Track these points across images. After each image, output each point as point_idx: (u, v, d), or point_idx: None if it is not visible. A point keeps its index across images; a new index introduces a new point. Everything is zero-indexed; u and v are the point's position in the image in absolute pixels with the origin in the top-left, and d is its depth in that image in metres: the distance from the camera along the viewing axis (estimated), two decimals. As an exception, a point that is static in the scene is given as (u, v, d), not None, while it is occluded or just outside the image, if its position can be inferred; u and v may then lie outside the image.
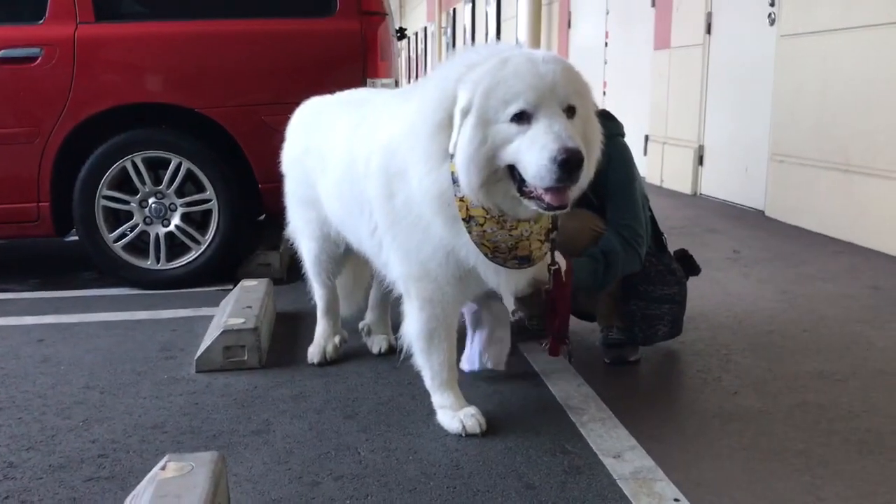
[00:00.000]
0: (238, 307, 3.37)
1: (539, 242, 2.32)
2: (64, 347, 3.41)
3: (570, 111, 2.10)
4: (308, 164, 2.92)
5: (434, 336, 2.51)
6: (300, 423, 2.61)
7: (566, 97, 2.08)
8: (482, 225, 2.21)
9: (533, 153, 2.02)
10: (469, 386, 2.80)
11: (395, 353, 3.10)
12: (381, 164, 2.39)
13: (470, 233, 2.23)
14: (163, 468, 1.94)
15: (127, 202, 4.35)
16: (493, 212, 2.20)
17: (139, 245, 4.42)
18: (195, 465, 1.94)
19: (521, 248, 2.28)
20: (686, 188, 7.75)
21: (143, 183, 4.33)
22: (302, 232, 3.09)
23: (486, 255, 2.26)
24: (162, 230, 4.39)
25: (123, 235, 4.37)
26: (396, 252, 2.46)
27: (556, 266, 2.48)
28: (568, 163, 1.99)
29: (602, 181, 2.91)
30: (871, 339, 3.38)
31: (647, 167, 8.66)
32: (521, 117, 2.05)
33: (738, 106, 6.92)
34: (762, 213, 6.37)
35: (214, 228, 4.39)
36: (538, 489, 2.17)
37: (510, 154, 2.08)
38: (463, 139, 2.09)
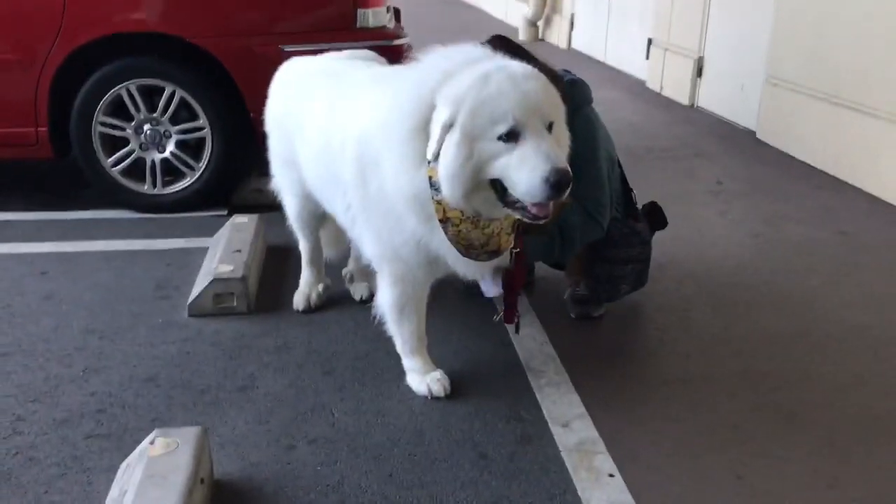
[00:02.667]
0: (228, 250, 3.56)
1: (507, 235, 2.47)
2: (65, 282, 3.62)
3: (549, 126, 2.21)
4: (288, 127, 3.02)
5: (404, 309, 2.71)
6: (282, 379, 2.85)
7: (548, 114, 2.20)
8: (458, 226, 2.35)
9: (524, 172, 2.14)
10: (441, 342, 3.03)
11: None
12: (356, 153, 2.51)
13: (446, 232, 2.37)
14: (152, 443, 2.19)
15: (123, 128, 4.47)
16: (468, 213, 2.34)
17: (136, 170, 4.56)
18: (180, 442, 2.19)
19: (492, 244, 2.43)
20: (684, 99, 7.74)
21: (138, 110, 4.43)
22: (285, 189, 3.24)
23: (459, 251, 2.41)
24: (157, 156, 4.52)
25: (121, 160, 4.51)
26: (369, 234, 2.62)
27: (518, 250, 2.64)
28: (559, 184, 2.12)
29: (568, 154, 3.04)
30: (827, 296, 3.57)
31: (648, 72, 8.60)
32: (509, 136, 2.16)
33: (739, 19, 6.82)
34: (753, 134, 6.42)
35: (208, 156, 4.52)
36: (490, 459, 2.43)
37: (497, 170, 2.20)
38: (448, 154, 2.19)
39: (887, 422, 2.64)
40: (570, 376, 2.89)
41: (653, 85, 8.50)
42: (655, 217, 3.47)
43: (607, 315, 3.35)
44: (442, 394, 2.73)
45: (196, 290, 3.33)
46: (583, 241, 3.11)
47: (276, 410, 2.66)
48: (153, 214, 4.53)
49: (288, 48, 4.35)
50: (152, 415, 2.62)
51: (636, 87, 8.60)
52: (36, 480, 2.30)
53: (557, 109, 2.27)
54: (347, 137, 2.56)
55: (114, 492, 2.12)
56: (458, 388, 2.79)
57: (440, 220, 2.35)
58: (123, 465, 2.23)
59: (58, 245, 4.07)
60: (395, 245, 2.54)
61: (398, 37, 4.65)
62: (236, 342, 3.11)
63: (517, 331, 3.00)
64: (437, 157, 2.23)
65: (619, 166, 3.37)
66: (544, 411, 2.68)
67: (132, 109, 4.42)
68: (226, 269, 3.36)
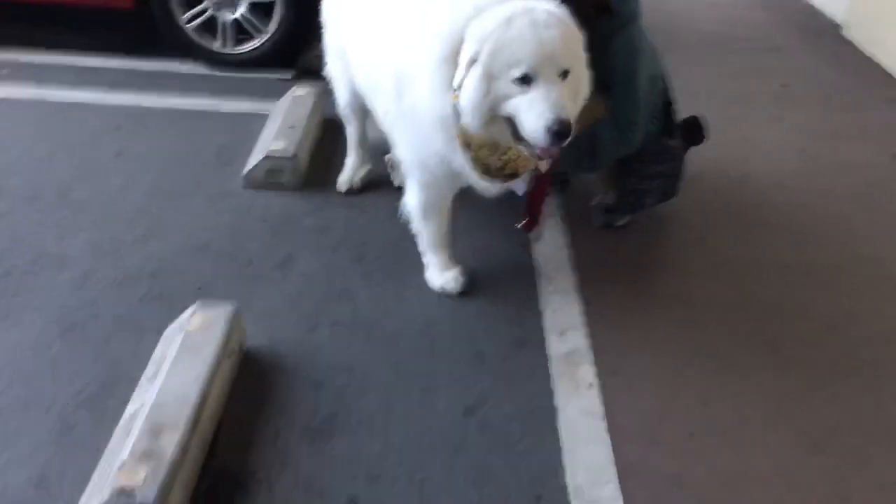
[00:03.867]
0: (285, 125, 3.81)
1: (525, 160, 2.63)
2: (136, 140, 3.94)
3: (565, 74, 2.33)
4: (340, 26, 3.16)
5: (429, 211, 2.95)
6: (316, 261, 3.16)
7: (562, 62, 2.31)
8: (477, 151, 2.53)
9: (531, 116, 2.30)
10: (464, 238, 3.26)
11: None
12: (394, 68, 2.66)
13: (466, 155, 2.56)
14: (193, 314, 2.55)
15: (197, -14, 4.66)
16: (488, 139, 2.51)
17: (209, 27, 4.76)
18: (215, 318, 2.54)
19: (510, 168, 2.61)
20: (778, -23, 7.36)
21: (216, -32, 4.59)
22: (336, 78, 3.42)
23: (478, 173, 2.61)
24: (229, 16, 4.70)
25: (195, 17, 4.71)
26: (402, 141, 2.82)
27: (537, 171, 2.81)
28: (559, 134, 2.28)
29: (608, 70, 3.13)
30: (854, 228, 3.63)
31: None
32: (523, 80, 2.30)
33: None
34: (839, 29, 6.16)
35: (277, 19, 4.68)
36: (485, 358, 2.72)
37: (510, 108, 2.35)
38: (469, 87, 2.35)
39: (861, 367, 2.81)
40: (578, 284, 3.12)
41: (750, -43, 8.07)
42: (693, 131, 3.53)
43: (630, 226, 3.51)
44: (457, 290, 3.00)
45: (251, 164, 3.62)
46: (612, 156, 3.24)
47: (307, 291, 2.99)
48: (222, 72, 4.77)
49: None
50: (199, 282, 2.98)
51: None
52: (97, 334, 2.70)
53: (576, 57, 2.37)
54: (388, 54, 2.70)
55: (157, 353, 2.50)
56: (472, 285, 3.05)
57: (461, 144, 2.53)
58: (168, 330, 2.60)
59: (133, 97, 4.37)
60: (423, 157, 2.74)
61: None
62: (281, 218, 3.41)
63: (536, 240, 3.21)
64: (461, 86, 2.39)
65: (664, 81, 3.41)
66: (545, 318, 2.93)
67: (209, -33, 4.58)
68: (279, 146, 3.62)
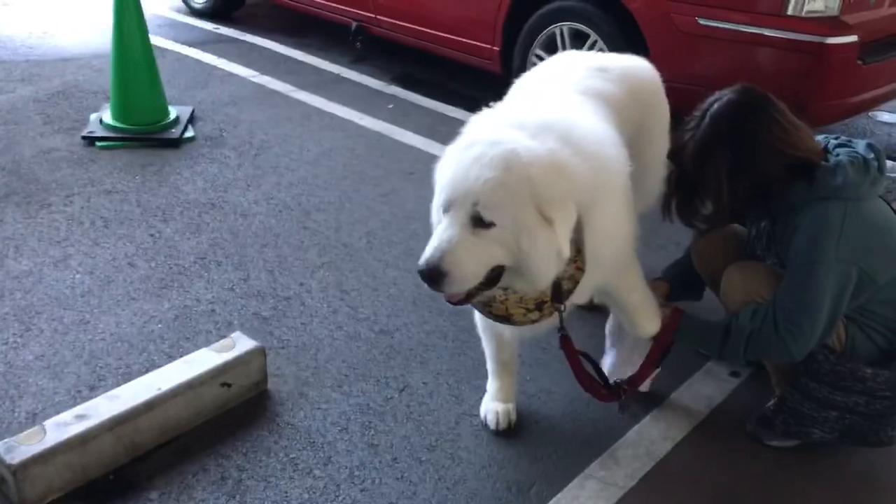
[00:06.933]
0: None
1: (523, 309, 2.26)
2: (410, 187, 4.24)
3: (482, 222, 2.02)
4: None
5: (485, 333, 2.69)
6: (400, 322, 3.11)
7: (474, 206, 2.01)
8: None
9: None
10: (570, 383, 2.85)
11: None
12: None
13: None
14: (227, 338, 2.79)
15: (550, 64, 4.81)
16: None
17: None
18: (234, 349, 2.73)
19: (496, 309, 2.28)
20: None
21: (565, 50, 4.68)
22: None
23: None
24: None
25: (541, 91, 4.89)
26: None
27: (564, 332, 2.39)
28: (424, 276, 2.03)
29: (789, 247, 2.48)
30: None
31: None
32: (442, 208, 2.09)
33: None
34: None
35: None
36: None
37: None
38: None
39: None
40: (638, 488, 2.50)
41: None
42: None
43: (794, 452, 2.66)
44: (493, 427, 2.68)
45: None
46: (753, 352, 2.56)
47: (364, 348, 3.02)
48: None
49: (704, 21, 4.08)
50: (272, 267, 3.18)
51: None
52: (156, 276, 3.10)
53: (501, 211, 2.00)
54: None
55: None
56: (521, 433, 2.69)
57: None
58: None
59: (415, 139, 4.84)
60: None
61: (836, 33, 3.84)
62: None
63: (620, 410, 2.67)
64: None
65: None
66: (549, 501, 2.44)
67: (560, 48, 4.71)
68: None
